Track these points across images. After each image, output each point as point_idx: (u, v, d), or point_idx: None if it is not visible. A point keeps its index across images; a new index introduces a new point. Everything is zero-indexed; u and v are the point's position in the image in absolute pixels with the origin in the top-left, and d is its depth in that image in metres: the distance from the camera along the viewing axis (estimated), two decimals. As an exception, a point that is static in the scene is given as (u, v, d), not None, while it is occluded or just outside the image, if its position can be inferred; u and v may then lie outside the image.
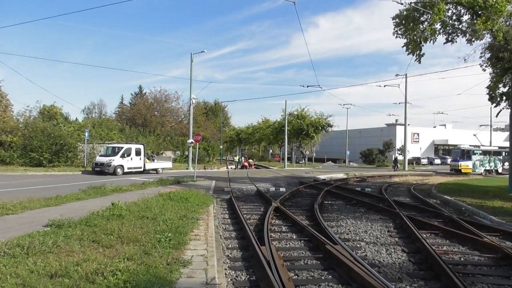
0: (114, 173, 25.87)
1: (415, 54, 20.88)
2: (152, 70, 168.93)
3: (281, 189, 20.56)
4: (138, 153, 27.99)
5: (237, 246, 8.25)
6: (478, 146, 44.54)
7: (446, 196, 17.55)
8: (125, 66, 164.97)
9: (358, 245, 8.59)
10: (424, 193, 20.43)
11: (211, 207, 12.61)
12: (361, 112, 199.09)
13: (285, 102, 53.42)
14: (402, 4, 19.29)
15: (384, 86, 47.61)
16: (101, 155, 28.09)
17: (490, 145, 51.19)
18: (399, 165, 49.13)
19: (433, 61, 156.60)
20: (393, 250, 8.16)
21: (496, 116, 21.40)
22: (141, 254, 6.04)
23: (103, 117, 67.01)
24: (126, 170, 26.89)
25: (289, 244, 8.58)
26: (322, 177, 30.47)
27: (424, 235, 9.09)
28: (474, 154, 43.02)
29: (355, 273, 5.95)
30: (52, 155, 31.22)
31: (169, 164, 32.22)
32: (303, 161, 60.75)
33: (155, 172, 29.66)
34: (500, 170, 43.95)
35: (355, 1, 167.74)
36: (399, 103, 49.22)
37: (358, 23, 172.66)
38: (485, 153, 43.78)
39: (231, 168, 48.04)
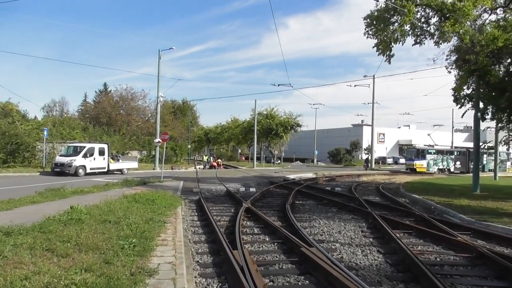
0: (75, 174, 24.68)
1: (385, 55, 20.99)
2: (118, 67, 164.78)
3: (251, 189, 20.18)
4: (101, 152, 26.85)
5: (208, 250, 7.78)
6: (432, 146, 45.47)
7: (414, 195, 17.70)
8: (90, 63, 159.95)
9: (333, 247, 8.30)
10: (393, 192, 20.59)
11: (179, 209, 12.05)
12: (328, 112, 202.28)
13: (255, 101, 53.06)
14: (378, 0, 19.27)
15: (355, 86, 48.58)
16: (61, 155, 26.74)
17: (452, 146, 52.84)
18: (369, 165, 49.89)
19: (398, 64, 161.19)
20: (369, 251, 7.92)
21: (462, 117, 21.97)
22: (102, 263, 5.46)
23: (65, 115, 64.51)
24: (88, 170, 25.72)
25: (263, 247, 8.19)
26: (291, 176, 30.34)
27: (398, 235, 8.93)
28: (429, 153, 43.85)
29: (333, 278, 5.62)
30: (7, 155, 29.41)
31: (135, 164, 31.16)
32: (273, 160, 60.66)
33: (120, 172, 28.57)
34: (452, 169, 45.11)
35: (324, 3, 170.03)
36: (368, 103, 50.05)
37: (327, 25, 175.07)
38: (438, 152, 44.72)
39: (199, 168, 47.18)
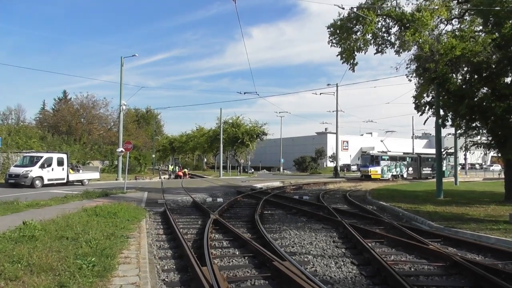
0: (32, 186, 23.30)
1: (349, 63, 21.25)
2: (79, 75, 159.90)
3: (219, 200, 19.70)
4: (60, 163, 25.55)
5: (175, 267, 7.30)
6: (386, 152, 46.01)
7: (381, 202, 17.80)
8: (49, 70, 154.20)
9: (306, 259, 8.02)
10: (360, 199, 20.71)
11: (143, 222, 11.46)
12: (293, 120, 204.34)
13: (220, 110, 52.89)
14: (343, 8, 19.46)
15: (320, 94, 49.16)
16: (16, 166, 25.23)
17: (413, 152, 54.28)
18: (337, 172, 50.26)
19: (359, 73, 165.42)
20: (342, 263, 7.69)
21: (424, 124, 22.52)
22: (56, 287, 4.90)
23: (21, 124, 61.44)
24: (46, 182, 24.38)
25: (233, 261, 7.79)
26: (258, 185, 30.04)
27: (370, 244, 8.78)
28: (383, 159, 43.89)
29: (310, 294, 5.32)
30: (-44, 166, 27.56)
31: (96, 175, 29.90)
32: (239, 169, 60.22)
33: (80, 183, 27.30)
34: (405, 175, 45.28)
35: (286, 14, 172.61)
36: (332, 111, 50.78)
37: (290, 35, 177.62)
38: (392, 159, 44.96)
39: (164, 178, 46.14)
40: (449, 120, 21.35)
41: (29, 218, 9.39)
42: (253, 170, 66.59)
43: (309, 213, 14.55)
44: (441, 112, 20.91)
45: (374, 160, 43.56)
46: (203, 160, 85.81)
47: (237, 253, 8.47)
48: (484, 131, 20.32)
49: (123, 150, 34.82)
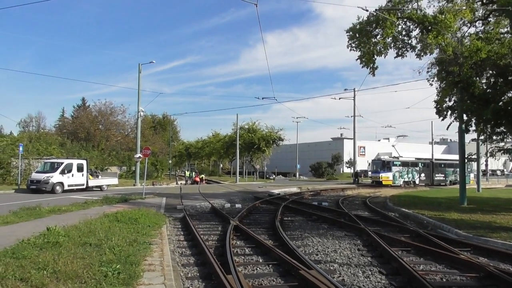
0: (52, 191, 23.58)
1: (369, 67, 21.00)
2: (97, 82, 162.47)
3: (237, 206, 19.60)
4: (80, 169, 25.83)
5: (199, 275, 7.18)
6: (397, 157, 44.37)
7: (403, 209, 17.41)
8: (68, 78, 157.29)
9: (332, 268, 7.82)
10: (381, 206, 20.34)
11: (164, 228, 11.40)
12: (307, 126, 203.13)
13: (237, 115, 52.73)
14: (367, 11, 19.25)
15: (340, 98, 48.36)
16: (37, 172, 25.61)
17: (432, 157, 53.16)
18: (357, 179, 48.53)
19: (375, 78, 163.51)
20: (370, 272, 7.46)
21: (447, 129, 21.94)
22: (83, 295, 4.83)
23: (42, 130, 62.58)
24: (66, 187, 24.66)
25: (257, 269, 7.64)
26: (276, 191, 29.84)
27: (397, 253, 8.51)
28: (394, 165, 42.07)
29: (341, 305, 5.12)
30: (-21, 172, 28.10)
31: (114, 181, 30.14)
32: (255, 175, 60.08)
33: (99, 189, 27.54)
34: (417, 182, 43.42)
35: (300, 20, 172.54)
36: (350, 116, 50.06)
37: (304, 41, 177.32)
38: (404, 164, 43.13)
39: (181, 183, 46.27)
40: (473, 125, 20.79)
41: (51, 223, 9.43)
42: (274, 175, 66.38)
43: (330, 219, 14.31)
44: (464, 117, 20.41)
45: (386, 165, 41.87)
46: (219, 165, 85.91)
47: (261, 260, 8.31)
48: (510, 137, 19.81)
49: (141, 156, 35.00)
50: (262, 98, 33.20)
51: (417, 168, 44.33)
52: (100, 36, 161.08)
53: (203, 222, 14.04)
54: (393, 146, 46.46)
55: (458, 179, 42.26)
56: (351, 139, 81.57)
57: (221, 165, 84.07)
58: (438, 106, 22.35)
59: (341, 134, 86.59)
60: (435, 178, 45.43)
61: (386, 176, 40.99)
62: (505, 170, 76.50)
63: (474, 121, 20.44)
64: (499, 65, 16.69)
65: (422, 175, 44.55)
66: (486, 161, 53.70)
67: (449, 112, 21.84)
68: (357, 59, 21.42)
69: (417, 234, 11.09)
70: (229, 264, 7.09)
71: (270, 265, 7.85)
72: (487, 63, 17.13)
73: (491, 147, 19.95)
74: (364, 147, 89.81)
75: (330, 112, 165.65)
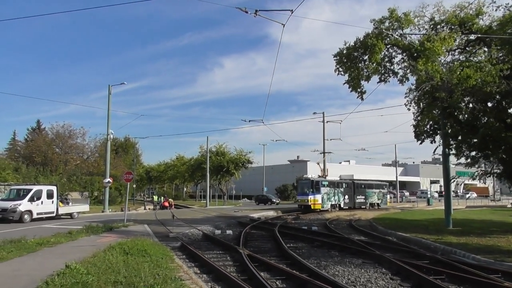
0: (20, 221, 21.59)
1: (357, 91, 21.30)
2: (51, 104, 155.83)
3: (228, 232, 18.86)
4: (50, 195, 23.94)
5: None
6: (324, 177, 39.22)
7: (399, 233, 17.41)
8: (18, 99, 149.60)
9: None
10: (371, 229, 20.39)
11: (176, 259, 10.56)
12: (270, 148, 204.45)
13: (207, 138, 51.76)
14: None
15: (327, 122, 46.53)
16: (2, 199, 23.50)
17: (397, 179, 54.57)
18: None
19: (346, 102, 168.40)
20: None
21: (434, 153, 22.28)
22: None
23: (-9, 155, 58.44)
24: (35, 216, 22.69)
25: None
26: (255, 215, 29.19)
27: (436, 282, 8.25)
28: (323, 185, 35.67)
29: None
30: None
31: (86, 207, 28.26)
32: (224, 198, 58.95)
33: (69, 217, 25.64)
34: (342, 205, 37.75)
35: (257, 45, 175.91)
36: (331, 140, 48.96)
37: (261, 65, 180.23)
38: (331, 184, 37.16)
39: (149, 208, 44.48)
40: (453, 149, 21.40)
41: (49, 257, 8.49)
42: (245, 199, 65.73)
43: (336, 245, 14.01)
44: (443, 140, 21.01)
45: (315, 186, 34.47)
46: (182, 189, 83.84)
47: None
48: (488, 161, 20.61)
49: (110, 181, 33.53)
50: (249, 121, 33.14)
51: (342, 190, 38.45)
52: (52, 57, 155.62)
53: (205, 252, 13.20)
54: (317, 164, 41.12)
55: (378, 202, 41.88)
56: (307, 161, 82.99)
57: (185, 189, 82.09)
58: (417, 130, 23.06)
59: (298, 157, 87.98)
60: (356, 201, 40.10)
61: (315, 199, 34.01)
62: (458, 191, 79.99)
63: (454, 145, 21.19)
64: (485, 92, 17.37)
65: (346, 197, 38.68)
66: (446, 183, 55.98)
67: (426, 136, 22.65)
68: (344, 83, 21.73)
69: (436, 260, 10.97)
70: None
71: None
72: (475, 90, 17.78)
73: (476, 171, 20.57)
74: (327, 169, 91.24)
75: (292, 135, 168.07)
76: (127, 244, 11.24)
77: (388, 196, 47.61)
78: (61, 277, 6.97)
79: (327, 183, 36.77)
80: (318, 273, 9.01)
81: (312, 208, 33.71)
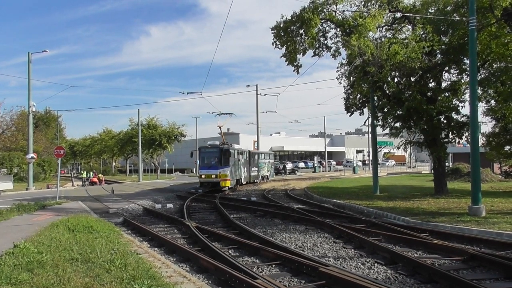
0: None
1: (293, 65, 21.81)
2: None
3: (168, 206, 18.84)
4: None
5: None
6: (230, 144, 29.73)
7: (334, 200, 18.53)
8: None
9: (329, 262, 7.99)
10: (307, 197, 21.54)
11: (124, 234, 10.43)
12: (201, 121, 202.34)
13: (138, 110, 49.84)
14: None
15: (265, 94, 47.33)
16: None
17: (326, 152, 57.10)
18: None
19: (277, 74, 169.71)
20: (369, 264, 7.83)
21: (364, 124, 23.71)
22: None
23: None
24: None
25: (272, 271, 7.47)
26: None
27: (376, 242, 9.07)
28: (232, 156, 27.47)
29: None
30: None
31: (9, 185, 26.45)
32: (157, 172, 57.87)
33: (-9, 195, 23.82)
34: (242, 180, 30.71)
35: (185, 13, 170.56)
36: (267, 112, 50.76)
37: (190, 35, 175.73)
38: (239, 155, 29.84)
39: (77, 185, 42.48)
40: (380, 120, 22.97)
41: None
42: (177, 172, 64.90)
43: (278, 214, 14.59)
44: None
45: (224, 156, 26.00)
46: (111, 164, 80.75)
47: (258, 261, 8.14)
48: (410, 131, 22.42)
49: (34, 156, 31.51)
50: (188, 93, 32.12)
51: (243, 161, 31.10)
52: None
53: (151, 226, 13.10)
54: (218, 127, 31.06)
55: (267, 174, 37.23)
56: (238, 133, 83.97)
57: (114, 164, 79.14)
58: (347, 102, 24.48)
59: (228, 129, 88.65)
60: (252, 174, 33.79)
61: (224, 174, 25.80)
62: (379, 160, 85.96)
63: (381, 116, 22.74)
64: (410, 67, 18.75)
65: (245, 169, 31.75)
66: (368, 152, 60.01)
67: (355, 108, 24.18)
68: (281, 57, 22.07)
69: (372, 223, 11.95)
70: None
71: (277, 266, 7.74)
72: (401, 65, 19.10)
73: (401, 140, 22.29)
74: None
75: (223, 107, 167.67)
76: (71, 221, 10.85)
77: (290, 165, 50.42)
78: (13, 256, 6.64)
79: (236, 152, 29.00)
80: (268, 240, 9.46)
81: (221, 185, 25.47)
